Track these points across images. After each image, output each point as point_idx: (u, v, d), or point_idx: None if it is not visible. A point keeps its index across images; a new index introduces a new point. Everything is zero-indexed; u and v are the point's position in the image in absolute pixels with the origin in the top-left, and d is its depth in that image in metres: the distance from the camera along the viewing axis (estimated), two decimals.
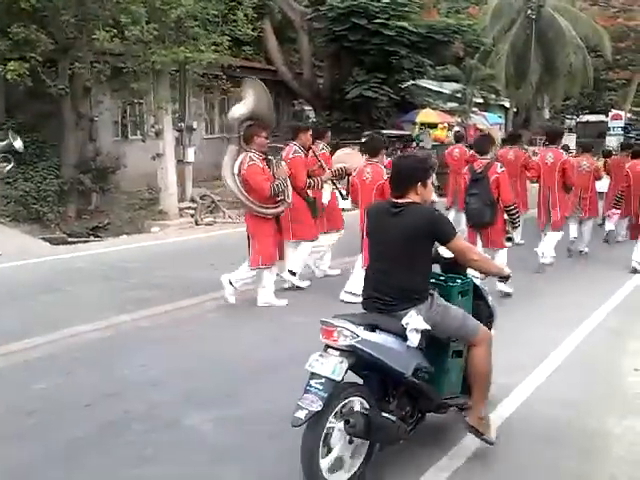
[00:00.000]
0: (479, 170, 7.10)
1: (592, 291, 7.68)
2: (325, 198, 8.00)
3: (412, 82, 21.09)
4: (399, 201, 3.56)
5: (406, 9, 18.50)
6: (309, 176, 7.36)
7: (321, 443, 3.16)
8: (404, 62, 18.87)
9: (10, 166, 9.11)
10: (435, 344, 3.59)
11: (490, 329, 3.92)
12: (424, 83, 22.61)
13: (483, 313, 4.00)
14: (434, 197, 5.25)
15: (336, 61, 20.16)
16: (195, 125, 14.46)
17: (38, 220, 12.28)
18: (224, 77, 15.20)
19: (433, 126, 19.84)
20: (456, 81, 22.52)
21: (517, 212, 7.20)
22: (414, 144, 18.22)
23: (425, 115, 20.21)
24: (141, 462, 3.72)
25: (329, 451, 3.24)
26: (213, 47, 13.06)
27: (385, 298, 3.49)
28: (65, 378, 4.91)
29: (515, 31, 24.51)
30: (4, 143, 9.50)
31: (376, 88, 18.28)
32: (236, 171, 6.63)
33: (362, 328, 3.30)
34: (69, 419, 4.24)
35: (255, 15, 15.01)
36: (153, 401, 4.51)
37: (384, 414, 3.36)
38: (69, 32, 11.88)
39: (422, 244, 3.51)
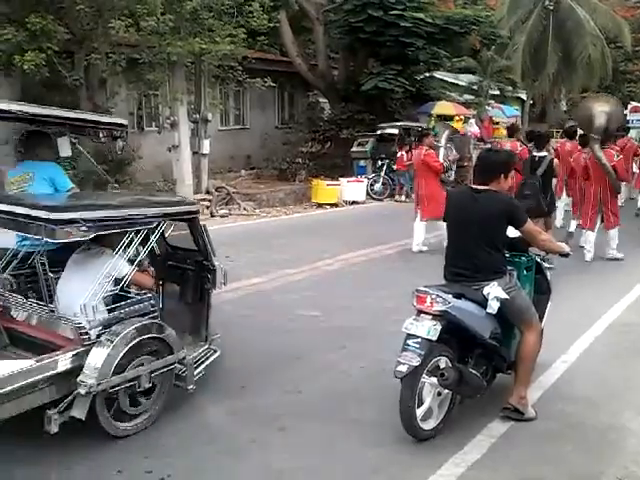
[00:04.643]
0: None
1: (611, 285, 7.61)
2: None
3: (428, 74, 20.93)
4: (480, 187, 4.06)
5: (422, 0, 18.34)
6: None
7: (416, 395, 3.71)
8: (420, 54, 18.69)
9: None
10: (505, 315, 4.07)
11: (548, 300, 4.69)
12: (440, 75, 22.42)
13: (542, 286, 4.63)
14: None
15: (351, 53, 20.04)
16: (210, 117, 14.45)
17: None
18: (239, 68, 15.17)
19: (449, 118, 19.69)
20: (472, 73, 22.33)
21: None
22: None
23: (441, 107, 20.06)
24: (151, 452, 3.74)
25: (421, 402, 3.82)
26: (228, 38, 13.03)
27: (468, 273, 4.01)
28: None
29: (532, 22, 24.28)
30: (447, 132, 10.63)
31: (391, 80, 18.13)
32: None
33: (451, 296, 3.82)
34: None
35: (271, 6, 14.95)
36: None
37: (470, 370, 3.93)
38: (85, 23, 11.91)
39: (500, 226, 4.01)
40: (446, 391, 3.91)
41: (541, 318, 4.43)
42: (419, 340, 3.72)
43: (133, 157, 14.60)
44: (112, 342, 3.68)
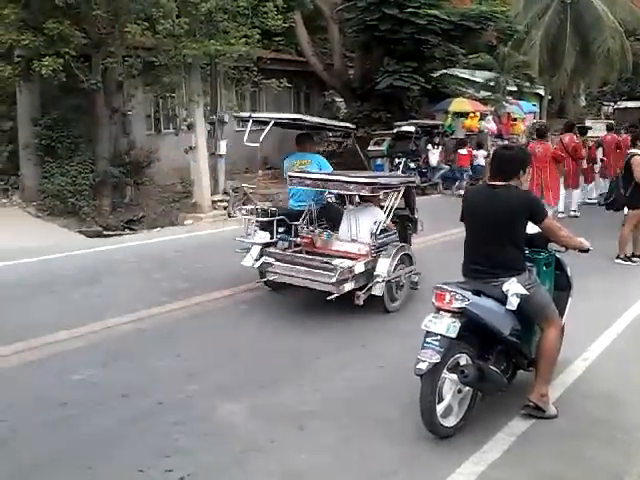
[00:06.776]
0: None
1: (635, 279, 7.52)
2: None
3: (444, 71, 20.80)
4: (498, 183, 4.04)
5: None
6: None
7: (436, 392, 3.71)
8: (436, 51, 18.62)
9: None
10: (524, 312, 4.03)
11: (569, 296, 4.62)
12: (456, 72, 22.29)
13: (562, 282, 4.60)
14: None
15: (367, 51, 19.99)
16: (227, 118, 14.49)
17: (74, 214, 12.46)
18: (255, 69, 15.18)
19: (464, 115, 19.57)
20: (489, 69, 22.11)
21: None
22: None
23: (458, 104, 19.93)
24: (172, 452, 3.75)
25: (441, 399, 3.81)
26: (243, 40, 13.05)
27: (487, 269, 4.00)
28: (101, 369, 4.98)
29: (549, 16, 23.93)
30: None
31: (407, 78, 18.05)
32: None
33: (470, 293, 3.83)
34: (103, 409, 4.30)
35: (285, 6, 14.93)
36: (187, 392, 4.56)
37: (491, 367, 3.90)
38: (101, 27, 12.00)
39: (520, 222, 4.01)
40: (467, 389, 3.90)
41: (561, 314, 4.39)
42: (438, 337, 3.72)
43: (151, 159, 14.71)
44: (390, 254, 6.32)
